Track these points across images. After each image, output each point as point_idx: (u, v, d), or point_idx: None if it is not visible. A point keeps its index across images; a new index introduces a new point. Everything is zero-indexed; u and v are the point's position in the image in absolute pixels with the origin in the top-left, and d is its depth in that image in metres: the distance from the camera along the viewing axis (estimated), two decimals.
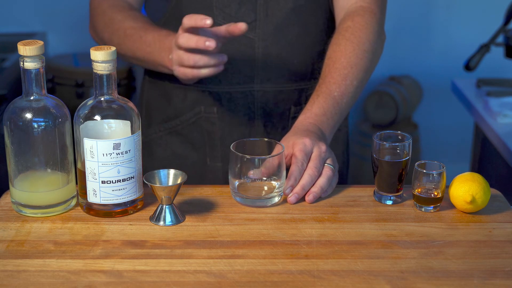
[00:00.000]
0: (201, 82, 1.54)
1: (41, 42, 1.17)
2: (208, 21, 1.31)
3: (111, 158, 1.18)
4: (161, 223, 1.20)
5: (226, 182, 1.58)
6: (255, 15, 1.50)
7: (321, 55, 1.56)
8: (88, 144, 1.18)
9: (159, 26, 1.55)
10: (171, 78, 1.57)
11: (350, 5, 1.51)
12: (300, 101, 1.58)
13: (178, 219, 1.21)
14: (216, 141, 1.58)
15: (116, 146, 1.18)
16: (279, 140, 1.33)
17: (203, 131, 1.58)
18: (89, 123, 1.19)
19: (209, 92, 1.55)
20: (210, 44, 1.32)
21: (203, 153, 1.60)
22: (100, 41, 1.56)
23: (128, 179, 1.21)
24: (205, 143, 1.59)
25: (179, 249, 1.13)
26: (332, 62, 1.45)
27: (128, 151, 1.19)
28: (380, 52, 1.52)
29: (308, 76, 1.57)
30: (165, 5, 1.54)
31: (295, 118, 1.58)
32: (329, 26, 1.56)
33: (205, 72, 1.37)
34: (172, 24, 1.53)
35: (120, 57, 1.54)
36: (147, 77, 1.65)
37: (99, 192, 1.20)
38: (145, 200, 1.27)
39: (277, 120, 1.58)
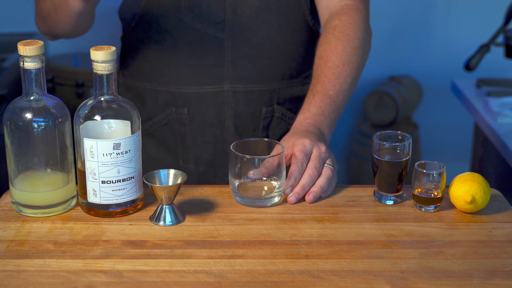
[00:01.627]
0: (171, 82, 1.54)
1: (41, 42, 1.17)
2: None
3: (111, 158, 1.18)
4: (161, 223, 1.20)
5: (200, 183, 1.58)
6: (224, 14, 1.49)
7: (293, 56, 1.56)
8: (88, 144, 1.18)
9: (130, 27, 1.55)
10: (143, 79, 1.57)
11: (334, 4, 1.51)
12: (272, 102, 1.57)
13: (178, 219, 1.21)
14: (188, 143, 1.58)
15: (116, 146, 1.18)
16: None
17: (175, 133, 1.58)
18: (89, 123, 1.19)
19: (179, 93, 1.55)
20: None
21: (176, 155, 1.60)
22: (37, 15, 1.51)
23: (128, 179, 1.21)
24: (177, 145, 1.59)
25: (179, 249, 1.13)
26: (324, 61, 1.45)
27: (128, 151, 1.19)
28: (369, 48, 1.52)
29: (279, 77, 1.56)
30: (136, 5, 1.53)
31: (266, 119, 1.58)
32: (301, 27, 1.55)
33: None
34: (142, 25, 1.53)
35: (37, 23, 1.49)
36: (120, 79, 1.64)
37: (99, 192, 1.20)
38: (145, 200, 1.27)
39: (248, 121, 1.57)
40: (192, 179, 1.59)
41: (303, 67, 1.57)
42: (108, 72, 1.17)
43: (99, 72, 1.18)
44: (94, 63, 1.17)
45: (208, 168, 1.59)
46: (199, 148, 1.57)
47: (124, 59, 1.61)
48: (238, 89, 1.53)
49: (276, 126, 1.58)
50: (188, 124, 1.56)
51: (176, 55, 1.52)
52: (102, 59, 1.16)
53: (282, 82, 1.57)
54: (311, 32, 1.57)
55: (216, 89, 1.53)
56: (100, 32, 2.20)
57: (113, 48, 1.17)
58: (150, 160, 1.59)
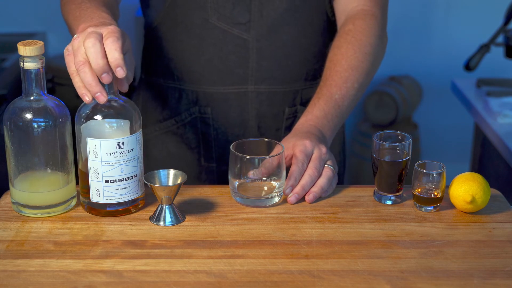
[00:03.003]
0: (195, 82, 1.55)
1: (41, 42, 1.18)
2: None
3: (115, 157, 1.18)
4: (161, 223, 1.20)
5: (220, 182, 1.59)
6: (250, 15, 1.49)
7: (316, 56, 1.56)
8: (91, 144, 1.18)
9: (154, 25, 1.54)
10: (167, 77, 1.57)
11: (351, 8, 1.51)
12: (295, 102, 1.58)
13: (178, 219, 1.21)
14: (211, 142, 1.58)
15: (120, 145, 1.18)
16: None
17: (198, 132, 1.59)
18: (90, 122, 1.19)
19: (203, 93, 1.55)
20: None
21: (198, 153, 1.60)
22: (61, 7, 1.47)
23: (131, 177, 1.21)
24: (200, 144, 1.60)
25: (179, 249, 1.13)
26: (333, 65, 1.45)
27: (131, 150, 1.20)
28: (382, 54, 1.52)
29: (302, 77, 1.57)
30: (161, 4, 1.53)
31: (289, 119, 1.58)
32: (325, 28, 1.55)
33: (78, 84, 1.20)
34: (167, 23, 1.53)
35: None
36: (142, 76, 1.65)
37: (102, 192, 1.20)
38: (145, 200, 1.27)
39: (271, 121, 1.58)
40: (213, 178, 1.60)
41: None
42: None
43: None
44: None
45: None
46: (222, 148, 1.58)
47: (147, 56, 1.62)
48: (262, 90, 1.54)
49: None
50: (211, 123, 1.57)
51: (200, 55, 1.52)
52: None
53: (305, 82, 1.57)
54: (334, 32, 1.57)
55: (240, 90, 1.54)
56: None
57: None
58: (172, 158, 1.61)
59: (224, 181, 1.59)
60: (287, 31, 1.51)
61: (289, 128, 1.59)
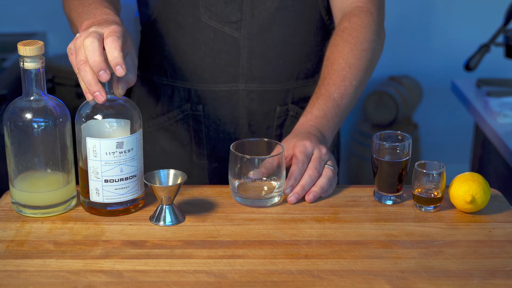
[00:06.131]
0: (187, 79, 1.55)
1: (41, 42, 1.18)
2: None
3: (114, 157, 1.18)
4: (161, 223, 1.20)
5: (212, 179, 1.59)
6: (241, 14, 1.49)
7: (308, 56, 1.56)
8: (91, 143, 1.18)
9: (149, 22, 1.55)
10: (161, 74, 1.57)
11: (346, 6, 1.51)
12: (286, 101, 1.58)
13: (178, 219, 1.21)
14: (202, 139, 1.59)
15: (119, 145, 1.18)
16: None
17: (190, 129, 1.59)
18: (90, 122, 1.19)
19: (195, 90, 1.55)
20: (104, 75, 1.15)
21: (190, 150, 1.61)
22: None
23: (131, 177, 1.21)
24: (191, 141, 1.60)
25: (179, 249, 1.13)
26: (330, 63, 1.45)
27: (131, 150, 1.20)
28: (380, 50, 1.52)
29: (294, 76, 1.57)
30: (155, 3, 1.54)
31: (280, 117, 1.58)
32: (318, 27, 1.55)
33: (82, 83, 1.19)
34: (160, 21, 1.54)
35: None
36: (138, 73, 1.65)
37: (102, 191, 1.20)
38: (145, 200, 1.27)
39: (262, 120, 1.58)
40: (205, 175, 1.61)
41: (318, 67, 1.57)
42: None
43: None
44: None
45: (221, 164, 1.60)
46: (213, 145, 1.59)
47: (142, 53, 1.62)
48: (253, 89, 1.54)
49: (290, 125, 1.58)
50: (202, 121, 1.57)
51: (193, 53, 1.53)
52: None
53: (297, 81, 1.57)
54: (328, 31, 1.57)
55: (231, 88, 1.54)
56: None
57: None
58: (164, 154, 1.61)
59: (215, 178, 1.59)
60: (278, 30, 1.51)
61: (280, 127, 1.59)
